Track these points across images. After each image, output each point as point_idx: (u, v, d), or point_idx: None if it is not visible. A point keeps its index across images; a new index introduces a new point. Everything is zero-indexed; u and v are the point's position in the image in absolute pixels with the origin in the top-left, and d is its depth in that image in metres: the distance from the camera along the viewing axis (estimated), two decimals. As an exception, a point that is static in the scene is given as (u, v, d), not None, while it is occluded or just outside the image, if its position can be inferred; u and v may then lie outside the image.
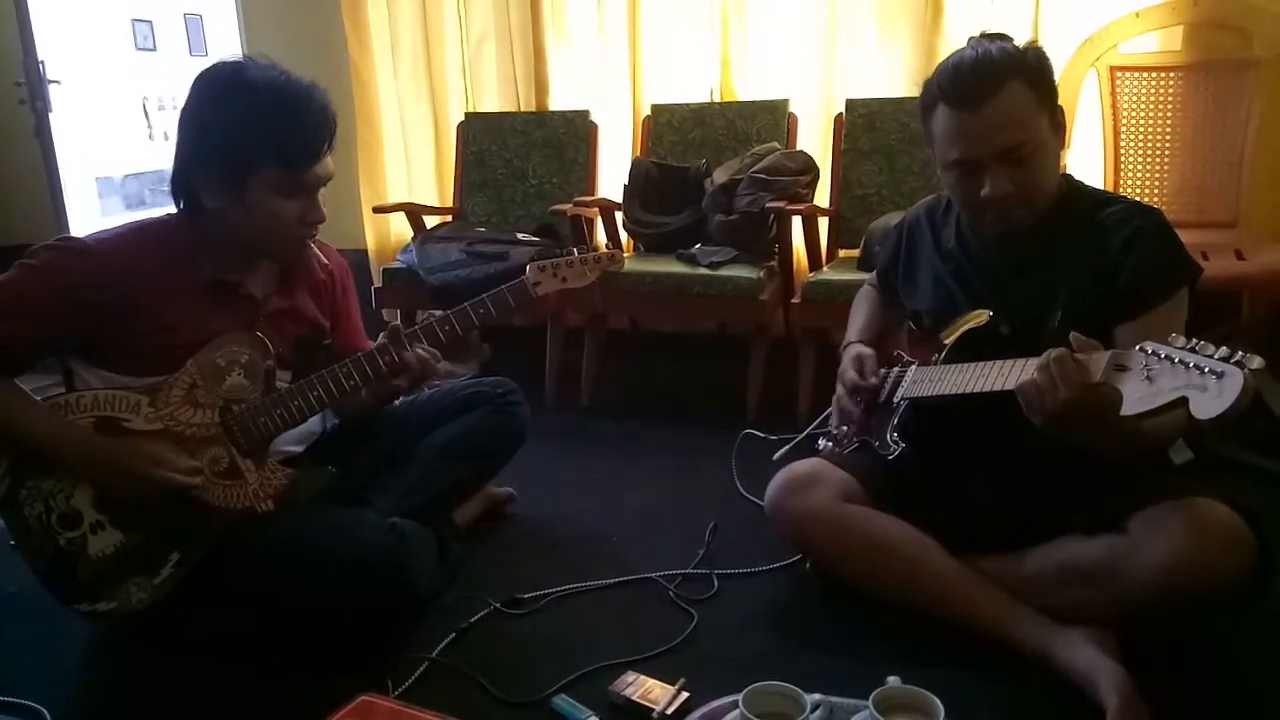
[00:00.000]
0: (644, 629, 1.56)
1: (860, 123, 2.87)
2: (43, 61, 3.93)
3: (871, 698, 1.10)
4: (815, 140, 3.01)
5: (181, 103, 1.51)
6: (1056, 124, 1.44)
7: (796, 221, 2.73)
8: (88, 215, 5.35)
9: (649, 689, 1.37)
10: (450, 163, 3.43)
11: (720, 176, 2.83)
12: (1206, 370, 1.02)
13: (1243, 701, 1.36)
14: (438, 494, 1.80)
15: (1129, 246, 1.41)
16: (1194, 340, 1.07)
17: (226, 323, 1.54)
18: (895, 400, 1.63)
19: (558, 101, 3.34)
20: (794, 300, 2.61)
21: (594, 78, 3.27)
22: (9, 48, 4.00)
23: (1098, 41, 2.59)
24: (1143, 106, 2.60)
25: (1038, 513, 1.47)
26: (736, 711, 1.13)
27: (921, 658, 1.39)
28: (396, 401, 1.78)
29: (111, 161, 6.10)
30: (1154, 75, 2.58)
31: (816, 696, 1.19)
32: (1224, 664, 1.44)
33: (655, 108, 3.15)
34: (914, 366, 1.65)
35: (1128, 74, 2.60)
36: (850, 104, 2.89)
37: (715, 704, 1.29)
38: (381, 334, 1.58)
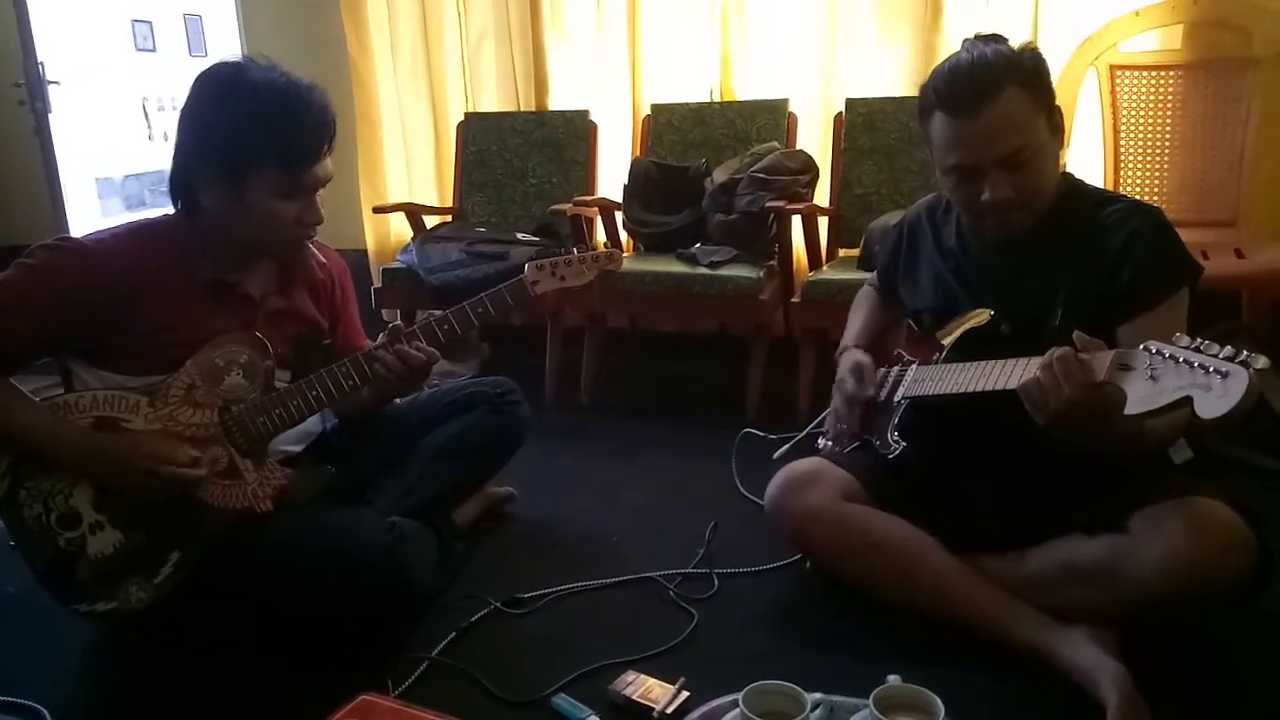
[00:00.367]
0: (644, 628, 1.56)
1: (860, 122, 2.87)
2: (42, 62, 3.93)
3: (872, 697, 1.10)
4: (815, 140, 3.01)
5: (181, 103, 1.51)
6: (1054, 125, 1.44)
7: (796, 221, 2.72)
8: (88, 216, 5.34)
9: (649, 688, 1.37)
10: (450, 162, 3.43)
11: (720, 176, 2.83)
12: (1211, 370, 1.01)
13: (1243, 700, 1.36)
14: (437, 494, 1.79)
15: (1129, 246, 1.41)
16: (1198, 339, 1.06)
17: (225, 322, 1.54)
18: (896, 399, 1.63)
19: (557, 101, 3.34)
20: (794, 300, 2.61)
21: (594, 77, 3.27)
22: (8, 48, 4.00)
23: (1097, 40, 2.59)
24: (1142, 105, 2.60)
25: (1038, 512, 1.47)
26: (737, 711, 1.13)
27: (922, 657, 1.39)
28: (396, 401, 1.77)
29: (111, 162, 6.10)
30: (1154, 74, 2.58)
31: (817, 695, 1.19)
32: (1224, 663, 1.44)
33: (655, 107, 3.15)
34: (914, 366, 1.64)
35: (1127, 73, 2.60)
36: (850, 103, 2.89)
37: (715, 703, 1.29)
38: (381, 334, 1.58)
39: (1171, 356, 1.07)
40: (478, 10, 3.36)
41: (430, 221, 3.29)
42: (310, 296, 1.70)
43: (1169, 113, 2.57)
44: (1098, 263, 1.43)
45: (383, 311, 3.13)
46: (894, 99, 2.84)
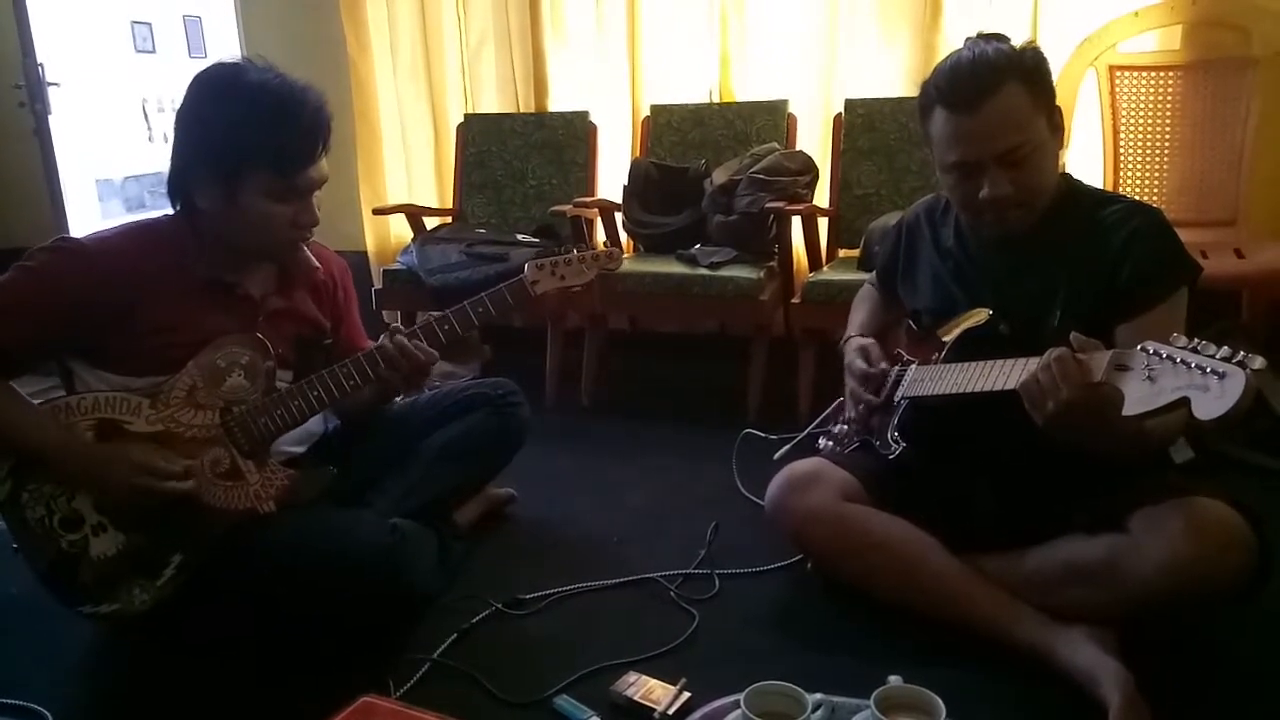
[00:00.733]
0: (645, 629, 1.56)
1: (859, 123, 2.87)
2: (42, 64, 3.93)
3: (873, 697, 1.10)
4: (814, 140, 3.01)
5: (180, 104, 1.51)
6: (1055, 124, 1.44)
7: (796, 222, 2.73)
8: (88, 217, 5.34)
9: (650, 689, 1.37)
10: (450, 164, 3.43)
11: (720, 177, 2.84)
12: (1208, 370, 1.02)
13: (1243, 700, 1.36)
14: (438, 495, 1.80)
15: (1129, 245, 1.41)
16: (1195, 340, 1.07)
17: (225, 322, 1.55)
18: (896, 399, 1.63)
19: (557, 102, 3.34)
20: (794, 300, 2.61)
21: (593, 79, 3.27)
22: (8, 50, 4.00)
23: (1097, 41, 2.60)
24: (1142, 105, 2.60)
25: (1038, 512, 1.48)
26: (738, 711, 1.13)
27: (923, 657, 1.39)
28: (397, 401, 1.77)
29: (111, 163, 6.10)
30: (1153, 74, 2.58)
31: (818, 696, 1.19)
32: (1224, 662, 1.44)
33: (654, 108, 3.16)
34: (914, 366, 1.65)
35: (1127, 73, 2.60)
36: (849, 104, 2.89)
37: (717, 704, 1.29)
38: (383, 335, 1.58)
39: (1169, 357, 1.07)
40: (477, 12, 3.36)
41: (430, 223, 3.30)
42: (312, 297, 1.70)
43: (1168, 113, 2.58)
44: (1097, 263, 1.43)
45: (383, 313, 3.13)
46: (893, 99, 2.84)
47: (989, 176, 1.41)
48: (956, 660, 1.39)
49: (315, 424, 1.70)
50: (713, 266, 2.65)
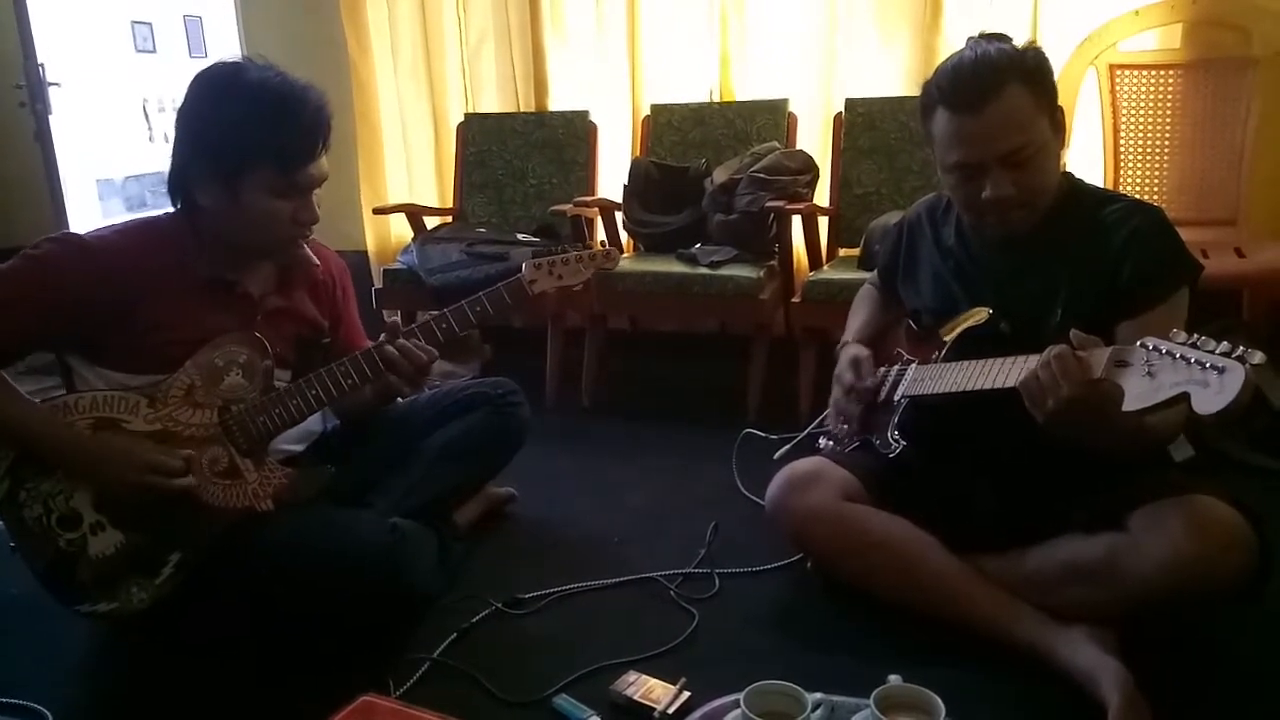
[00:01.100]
0: (645, 629, 1.56)
1: (860, 122, 2.87)
2: (42, 64, 3.93)
3: (873, 696, 1.10)
4: (815, 139, 3.01)
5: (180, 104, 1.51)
6: (1056, 124, 1.44)
7: (796, 221, 2.72)
8: (88, 217, 5.34)
9: (650, 688, 1.37)
10: (450, 163, 3.43)
11: (720, 176, 2.83)
12: (1208, 366, 1.01)
13: (1243, 699, 1.36)
14: (438, 494, 1.80)
15: (1130, 244, 1.41)
16: (1195, 335, 1.06)
17: (224, 321, 1.54)
18: (896, 398, 1.63)
19: (557, 102, 3.34)
20: (794, 299, 2.61)
21: (593, 78, 3.27)
22: (9, 50, 4.00)
23: (1097, 40, 2.59)
24: (1142, 105, 2.60)
25: (1038, 511, 1.47)
26: (738, 711, 1.13)
27: (923, 656, 1.39)
28: (398, 400, 1.77)
29: (112, 163, 6.10)
30: (1153, 73, 2.58)
31: (818, 695, 1.19)
32: (1224, 662, 1.44)
33: (655, 108, 3.15)
34: (914, 365, 1.64)
35: (1127, 72, 2.60)
36: (850, 103, 2.89)
37: (716, 703, 1.29)
38: (382, 335, 1.58)
39: (1168, 353, 1.07)
40: (477, 11, 3.36)
41: (430, 222, 3.30)
42: (310, 297, 1.70)
43: (1169, 112, 2.58)
44: (1098, 262, 1.43)
45: (383, 312, 3.13)
46: (894, 99, 2.84)
47: (991, 177, 1.40)
48: (956, 660, 1.39)
49: (314, 423, 1.70)
50: (713, 266, 2.65)
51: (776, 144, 2.88)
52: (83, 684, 1.53)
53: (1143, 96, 2.59)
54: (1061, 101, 1.46)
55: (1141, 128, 2.61)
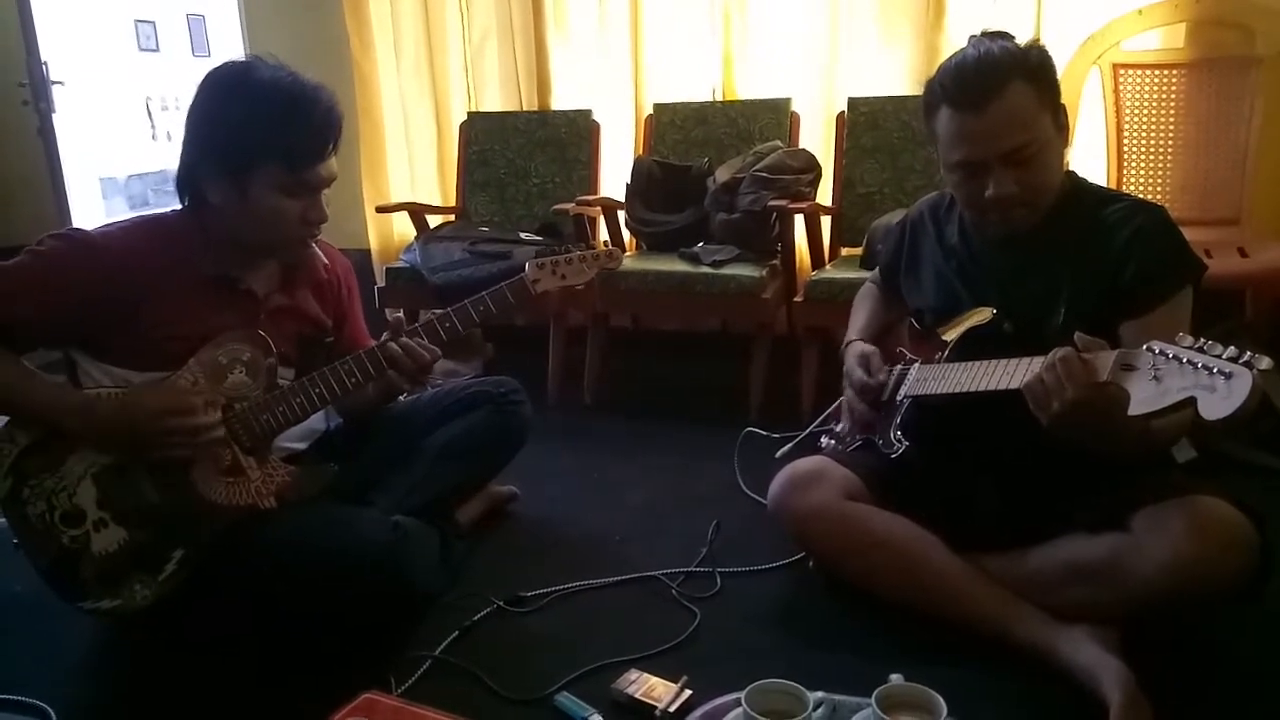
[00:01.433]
0: (646, 627, 1.56)
1: (862, 121, 2.87)
2: (46, 62, 3.94)
3: (874, 695, 1.10)
4: (817, 138, 3.01)
5: (185, 103, 1.52)
6: (1060, 123, 1.44)
7: (799, 220, 2.73)
8: (91, 215, 5.35)
9: (651, 687, 1.37)
10: (453, 162, 3.44)
11: (722, 175, 2.83)
12: (1215, 371, 1.01)
13: (1244, 699, 1.36)
14: (440, 493, 1.79)
15: (1133, 244, 1.41)
16: (1201, 340, 1.06)
17: (228, 318, 1.55)
18: (898, 398, 1.63)
19: (560, 100, 3.34)
20: (796, 299, 2.61)
21: (596, 77, 3.27)
22: (12, 49, 4.01)
23: (1100, 39, 2.59)
24: (1145, 104, 2.60)
25: (1041, 511, 1.47)
26: (739, 709, 1.13)
27: (924, 656, 1.39)
28: (400, 398, 1.77)
29: (115, 162, 6.11)
30: (1157, 73, 2.58)
31: (819, 694, 1.19)
32: (1226, 662, 1.44)
33: (657, 106, 3.15)
34: (917, 364, 1.64)
35: (1130, 71, 2.59)
36: (852, 102, 2.89)
37: (718, 702, 1.29)
38: (385, 334, 1.58)
39: (1175, 357, 1.07)
40: (480, 10, 3.36)
41: (433, 221, 3.30)
42: (315, 296, 1.70)
43: (1172, 111, 2.57)
44: (1101, 261, 1.43)
45: (386, 311, 3.13)
46: (896, 98, 2.84)
47: (994, 176, 1.40)
48: (958, 659, 1.39)
49: (317, 421, 1.70)
50: (715, 265, 2.65)
51: (779, 143, 2.87)
52: (85, 681, 1.53)
53: (1146, 96, 2.59)
54: (1064, 101, 1.46)
55: (1145, 127, 2.60)
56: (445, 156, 3.52)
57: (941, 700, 1.08)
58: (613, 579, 1.74)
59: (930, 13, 2.82)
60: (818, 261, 2.78)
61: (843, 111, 2.91)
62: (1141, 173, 2.62)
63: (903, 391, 1.63)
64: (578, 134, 3.23)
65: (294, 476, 1.56)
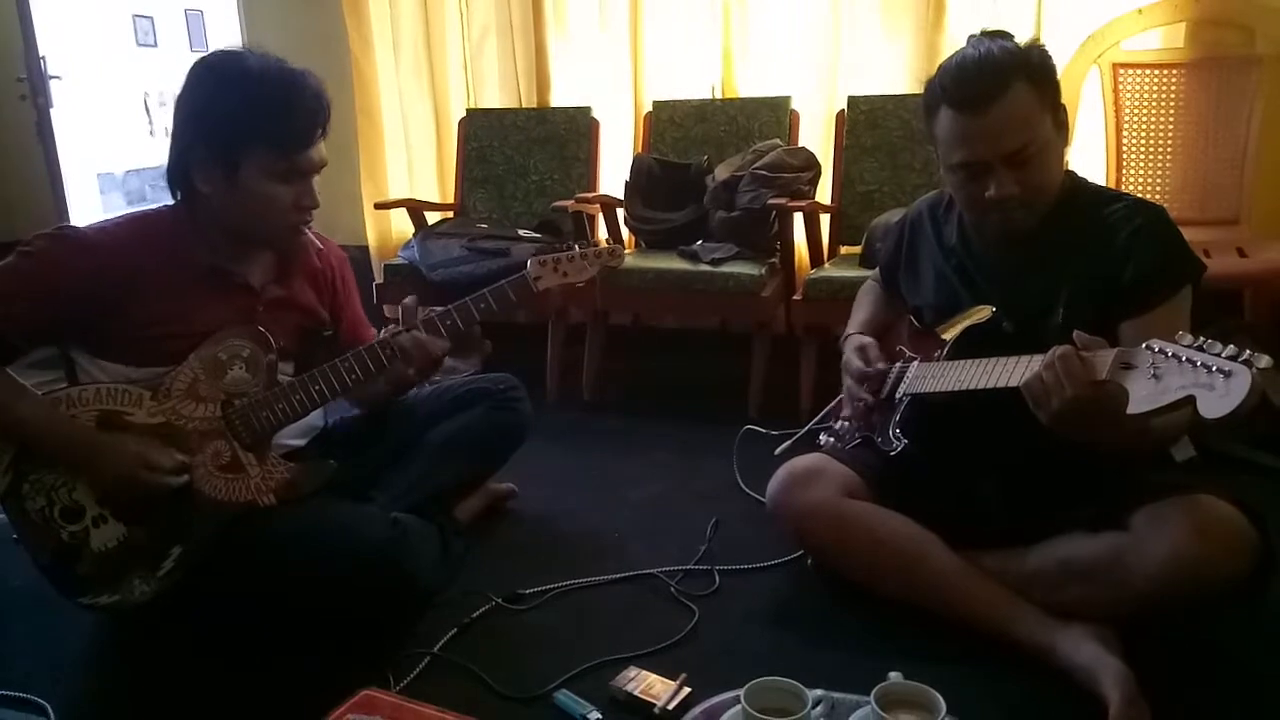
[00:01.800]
0: (645, 624, 1.56)
1: (862, 119, 2.87)
2: (44, 57, 3.94)
3: (873, 693, 1.10)
4: (817, 137, 3.01)
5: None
6: (1060, 123, 1.43)
7: (798, 218, 2.73)
8: (89, 211, 5.34)
9: (650, 684, 1.37)
10: (452, 159, 3.43)
11: (722, 173, 2.83)
12: (1214, 369, 1.01)
13: (1244, 699, 1.36)
14: (440, 490, 1.80)
15: (1132, 243, 1.41)
16: (1200, 338, 1.06)
17: (224, 311, 1.54)
18: (898, 396, 1.63)
19: (559, 97, 3.33)
20: (795, 297, 2.61)
21: (596, 74, 3.27)
22: (10, 43, 4.00)
23: (1100, 38, 2.59)
24: (1145, 104, 2.60)
25: (1041, 509, 1.47)
26: (738, 707, 1.13)
27: (923, 653, 1.39)
28: (411, 391, 1.77)
29: (113, 157, 6.10)
30: (1156, 72, 2.58)
31: (818, 692, 1.19)
32: (1226, 662, 1.44)
33: (657, 104, 3.15)
34: (916, 362, 1.64)
35: (1130, 71, 2.59)
36: (852, 100, 2.89)
37: (717, 699, 1.30)
38: (383, 330, 1.58)
39: (1174, 355, 1.07)
40: (479, 6, 3.36)
41: (432, 218, 3.29)
42: (310, 287, 1.69)
43: (1172, 111, 2.57)
44: (1100, 260, 1.43)
45: (384, 308, 3.13)
46: (896, 96, 2.84)
47: (995, 176, 1.40)
48: (957, 657, 1.39)
49: (316, 417, 1.70)
50: (714, 263, 2.65)
51: (779, 141, 2.87)
52: (84, 677, 1.53)
53: (1146, 95, 2.59)
54: (1064, 100, 1.46)
55: (1144, 127, 2.60)
56: (444, 153, 3.52)
57: (940, 698, 1.08)
58: (612, 576, 1.74)
59: (930, 11, 2.82)
60: (817, 260, 2.78)
61: (842, 110, 2.91)
62: (1141, 172, 2.62)
63: (902, 389, 1.63)
64: (577, 131, 3.23)
65: (293, 473, 1.56)
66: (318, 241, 1.69)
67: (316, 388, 1.55)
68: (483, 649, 1.51)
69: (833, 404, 1.87)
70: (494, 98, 3.43)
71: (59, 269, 1.45)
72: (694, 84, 3.15)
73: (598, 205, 2.99)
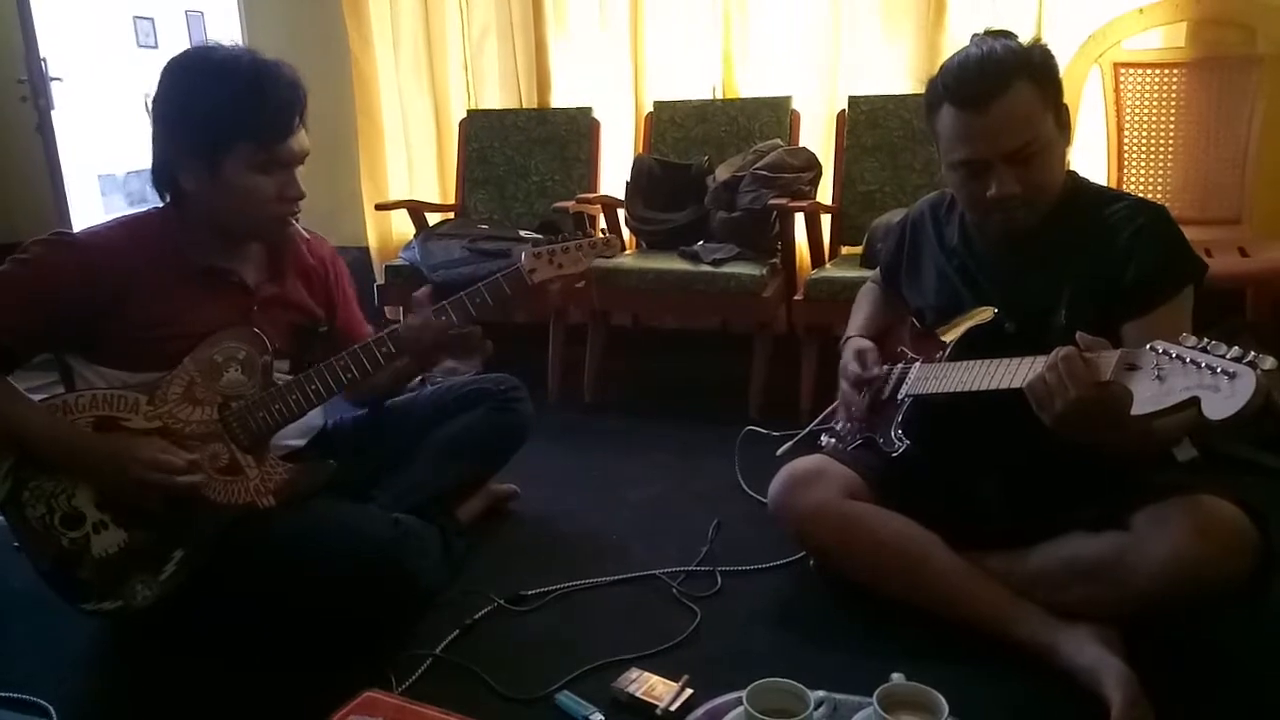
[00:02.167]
0: (647, 626, 1.56)
1: (863, 119, 2.87)
2: (45, 59, 3.93)
3: (875, 694, 1.10)
4: (818, 137, 3.01)
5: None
6: (1062, 122, 1.43)
7: (799, 218, 2.72)
8: (90, 212, 5.34)
9: (652, 685, 1.37)
10: (452, 159, 3.43)
11: (723, 173, 2.83)
12: (1218, 370, 1.01)
13: (1245, 700, 1.36)
14: (441, 490, 1.80)
15: (1134, 243, 1.41)
16: (1205, 339, 1.06)
17: (219, 311, 1.54)
18: (899, 397, 1.63)
19: (559, 98, 3.33)
20: (796, 297, 2.61)
21: (596, 74, 3.27)
22: (11, 45, 4.00)
23: (1101, 38, 2.59)
24: (1146, 103, 2.59)
25: (1043, 510, 1.47)
26: (740, 708, 1.13)
27: (925, 655, 1.39)
28: (413, 383, 1.77)
29: (114, 158, 6.11)
30: (1158, 72, 2.58)
31: (820, 693, 1.19)
32: (1227, 662, 1.43)
33: (658, 104, 3.15)
34: (918, 363, 1.64)
35: (1131, 70, 2.59)
36: (853, 100, 2.89)
37: (719, 701, 1.29)
38: (383, 332, 1.58)
39: (1179, 357, 1.06)
40: (480, 7, 3.36)
41: (432, 219, 3.29)
42: (304, 284, 1.69)
43: (1173, 111, 2.57)
44: (1102, 261, 1.42)
45: (385, 309, 3.13)
46: (897, 96, 2.83)
47: (997, 175, 1.40)
48: (960, 658, 1.39)
49: (315, 417, 1.70)
50: (715, 263, 2.65)
51: (779, 141, 2.87)
52: (86, 679, 1.53)
53: (1147, 95, 2.59)
54: (1065, 99, 1.46)
55: (1145, 126, 2.60)
56: (445, 154, 3.52)
57: (943, 699, 1.08)
58: (613, 578, 1.74)
59: (931, 11, 2.82)
60: (818, 260, 2.78)
61: (843, 110, 2.90)
62: (1142, 172, 2.62)
63: (904, 390, 1.62)
64: (577, 132, 3.23)
65: (293, 474, 1.56)
66: (308, 238, 1.68)
67: (313, 387, 1.55)
68: (485, 650, 1.51)
69: (834, 405, 1.87)
70: (494, 98, 3.43)
71: (57, 275, 1.45)
72: (695, 84, 3.15)
73: (598, 206, 2.99)
